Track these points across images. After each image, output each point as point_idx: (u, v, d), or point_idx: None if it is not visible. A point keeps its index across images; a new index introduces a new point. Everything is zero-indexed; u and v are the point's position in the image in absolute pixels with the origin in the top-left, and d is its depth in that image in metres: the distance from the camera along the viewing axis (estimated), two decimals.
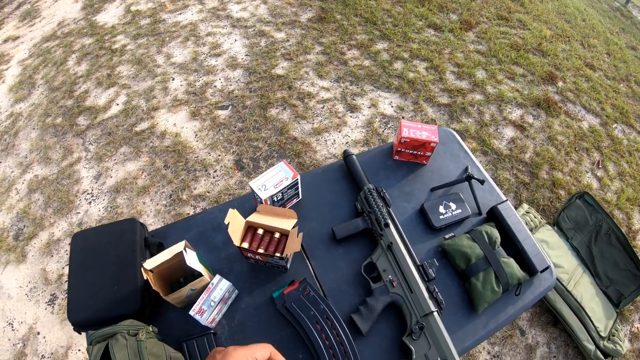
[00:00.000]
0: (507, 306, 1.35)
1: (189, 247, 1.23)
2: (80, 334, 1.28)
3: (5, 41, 4.80)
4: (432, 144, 1.56)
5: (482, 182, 1.59)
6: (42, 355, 2.34)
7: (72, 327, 1.23)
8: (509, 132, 3.35)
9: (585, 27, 5.04)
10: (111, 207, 2.90)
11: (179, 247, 1.19)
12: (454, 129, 3.27)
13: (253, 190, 1.34)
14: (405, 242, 1.34)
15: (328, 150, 3.11)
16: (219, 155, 3.10)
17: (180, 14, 4.49)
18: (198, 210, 2.81)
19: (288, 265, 1.33)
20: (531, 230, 2.66)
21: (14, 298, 2.59)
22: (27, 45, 4.61)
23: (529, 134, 3.35)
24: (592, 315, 2.36)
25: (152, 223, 2.78)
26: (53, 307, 2.51)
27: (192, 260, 1.19)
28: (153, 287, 1.15)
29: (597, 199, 2.83)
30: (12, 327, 2.48)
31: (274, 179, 1.35)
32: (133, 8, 4.71)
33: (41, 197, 3.04)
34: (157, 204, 2.87)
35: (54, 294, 2.56)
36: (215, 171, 3.01)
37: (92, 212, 2.89)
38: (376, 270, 1.33)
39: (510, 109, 3.53)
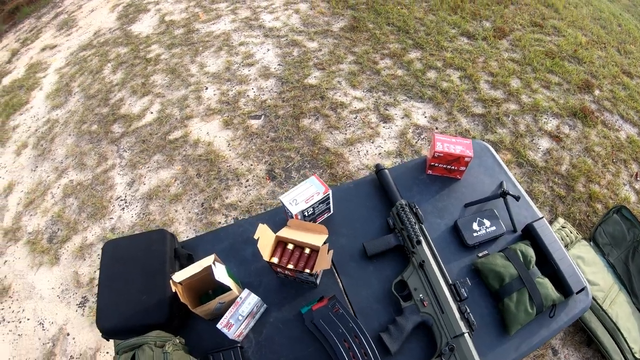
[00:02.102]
0: (540, 328, 1.32)
1: (218, 261, 1.24)
2: (108, 340, 1.30)
3: (43, 49, 4.97)
4: (466, 159, 1.53)
5: (517, 198, 1.55)
6: (71, 356, 2.40)
7: (100, 333, 1.25)
8: (545, 143, 3.26)
9: (621, 32, 4.88)
10: (144, 214, 2.94)
11: (208, 260, 1.20)
12: (489, 140, 3.21)
13: (284, 205, 1.34)
14: (437, 261, 1.32)
15: (360, 161, 3.09)
16: (251, 165, 3.12)
17: (213, 24, 4.55)
18: (230, 219, 2.83)
19: (318, 282, 1.33)
20: (567, 245, 2.58)
21: (45, 299, 2.66)
22: (64, 54, 4.76)
23: (565, 145, 3.26)
24: (628, 336, 2.26)
25: (184, 231, 2.81)
26: (84, 309, 2.57)
27: (221, 274, 1.19)
28: (181, 299, 1.16)
29: (635, 213, 2.72)
30: (43, 326, 2.54)
31: (305, 194, 1.35)
32: (167, 18, 4.81)
33: (75, 201, 3.12)
34: (189, 212, 2.90)
35: (85, 296, 2.62)
36: (247, 180, 3.03)
37: (125, 218, 2.95)
38: (407, 288, 1.31)
39: (545, 119, 3.44)
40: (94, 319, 2.43)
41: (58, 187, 3.25)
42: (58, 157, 3.48)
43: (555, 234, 2.63)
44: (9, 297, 2.72)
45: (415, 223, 1.39)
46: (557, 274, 1.37)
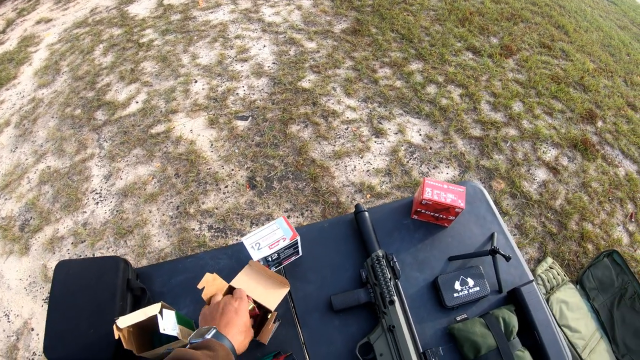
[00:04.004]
0: None
1: (167, 308, 1.13)
2: None
3: (38, 22, 4.83)
4: (457, 209, 1.39)
5: (507, 259, 1.41)
6: (34, 352, 2.34)
7: None
8: (541, 174, 3.14)
9: (629, 62, 4.77)
10: (117, 211, 2.84)
11: (154, 309, 1.09)
12: (483, 167, 3.10)
13: (245, 248, 1.21)
14: (410, 325, 1.19)
15: (347, 177, 2.96)
16: (232, 170, 2.99)
17: (211, 12, 4.41)
18: (204, 226, 2.72)
19: (266, 342, 1.20)
20: (552, 288, 2.50)
21: (13, 289, 2.59)
22: (58, 29, 4.62)
23: (562, 178, 3.14)
24: None
25: (156, 234, 2.71)
26: None
27: (168, 324, 1.09)
28: (125, 346, 1.07)
29: (626, 257, 2.63)
30: (8, 318, 2.49)
31: (269, 238, 1.21)
32: (165, 2, 4.67)
33: (51, 190, 3.02)
34: (163, 215, 2.79)
35: None
36: (226, 186, 2.91)
37: (98, 214, 2.85)
38: (372, 352, 1.19)
39: (545, 148, 3.32)
40: None
41: (35, 172, 3.14)
42: (38, 140, 3.37)
43: (542, 274, 2.57)
44: None
45: (390, 279, 1.26)
46: (539, 346, 1.26)
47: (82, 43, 4.27)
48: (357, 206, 1.47)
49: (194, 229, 2.70)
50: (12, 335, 2.40)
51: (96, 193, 2.96)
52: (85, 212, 2.87)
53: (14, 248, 2.75)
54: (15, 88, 3.92)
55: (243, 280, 1.16)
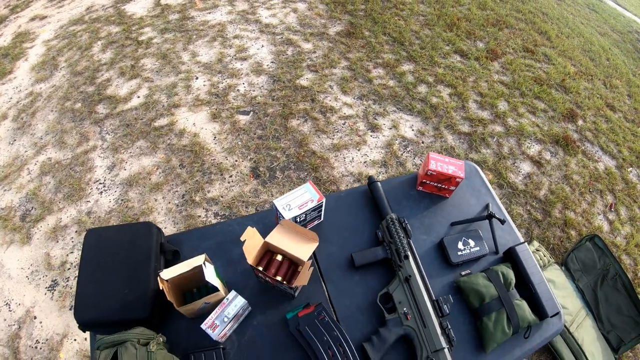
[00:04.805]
0: (514, 348, 1.36)
1: (208, 261, 1.22)
2: (85, 332, 1.26)
3: (33, 19, 4.82)
4: (457, 179, 1.56)
5: (502, 222, 1.59)
6: (37, 340, 2.32)
7: (77, 325, 1.21)
8: (526, 167, 3.34)
9: (609, 66, 5.03)
10: (122, 200, 2.88)
11: (198, 260, 1.18)
12: (472, 159, 3.27)
13: (277, 209, 1.34)
14: (422, 276, 1.34)
15: (346, 168, 3.11)
16: (236, 161, 3.10)
17: (209, 13, 4.51)
18: (210, 213, 2.81)
19: (296, 294, 1.32)
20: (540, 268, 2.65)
21: (14, 279, 2.57)
22: (54, 26, 4.62)
23: (545, 171, 3.34)
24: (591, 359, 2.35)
25: (162, 221, 2.77)
26: (53, 293, 2.49)
27: (210, 275, 1.18)
28: (168, 298, 1.14)
29: (607, 243, 2.82)
30: (9, 307, 2.45)
31: (298, 200, 1.35)
32: (163, 2, 4.73)
33: (52, 180, 3.03)
34: (169, 203, 2.86)
35: (56, 280, 2.54)
36: (230, 176, 3.01)
37: (102, 203, 2.88)
38: (392, 301, 1.32)
39: (529, 143, 3.52)
40: (64, 303, 2.42)
41: (35, 164, 3.14)
42: (38, 133, 3.37)
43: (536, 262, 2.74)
44: None
45: (403, 237, 1.41)
46: (534, 297, 1.42)
47: (79, 40, 4.29)
48: (370, 177, 1.62)
49: (200, 216, 2.78)
50: (14, 324, 2.38)
51: (100, 183, 2.99)
52: (89, 201, 2.89)
53: (15, 238, 2.73)
54: (12, 82, 3.90)
55: (277, 236, 1.28)
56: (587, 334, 2.45)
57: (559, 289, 2.58)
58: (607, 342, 2.50)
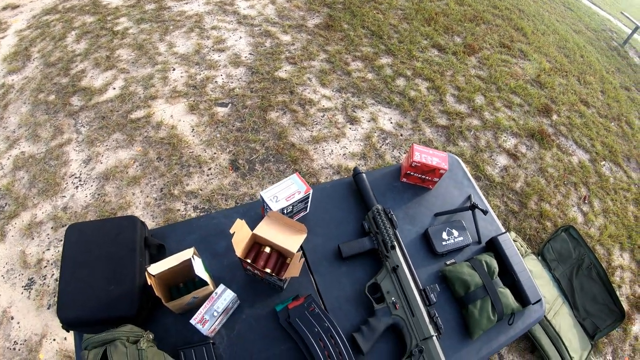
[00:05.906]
0: (499, 334, 1.39)
1: (197, 255, 1.21)
2: (69, 331, 1.23)
3: (4, 8, 4.66)
4: (441, 171, 1.58)
5: (485, 212, 1.62)
6: (15, 342, 2.24)
7: (61, 324, 1.17)
8: (503, 160, 3.40)
9: (583, 63, 5.16)
10: (99, 195, 2.82)
11: (187, 254, 1.17)
12: (450, 152, 3.31)
13: (264, 200, 1.33)
14: (409, 266, 1.35)
15: (325, 160, 3.11)
16: (215, 153, 3.07)
17: (186, 3, 4.44)
18: (189, 207, 2.78)
19: (284, 287, 1.32)
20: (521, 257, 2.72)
21: None
22: (27, 15, 4.48)
23: (521, 164, 3.41)
24: (569, 346, 2.43)
25: (141, 216, 2.72)
26: (30, 292, 2.41)
27: (199, 269, 1.16)
28: (156, 293, 1.12)
29: (581, 233, 2.90)
30: None
31: (286, 191, 1.34)
32: None
33: (26, 175, 2.94)
34: (147, 197, 2.82)
35: (32, 278, 2.46)
36: (209, 169, 2.98)
37: (79, 198, 2.82)
38: (380, 291, 1.34)
39: (505, 137, 3.59)
40: (41, 302, 2.36)
41: (8, 159, 3.05)
42: (10, 126, 3.27)
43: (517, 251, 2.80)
44: None
45: (389, 228, 1.42)
46: (516, 285, 1.47)
47: (53, 30, 4.18)
48: (355, 169, 1.62)
49: (179, 210, 2.75)
50: None
51: (75, 177, 2.92)
52: (64, 196, 2.82)
53: None
54: None
55: (265, 228, 1.27)
56: (564, 322, 2.52)
57: (536, 278, 2.59)
58: (583, 329, 2.59)
